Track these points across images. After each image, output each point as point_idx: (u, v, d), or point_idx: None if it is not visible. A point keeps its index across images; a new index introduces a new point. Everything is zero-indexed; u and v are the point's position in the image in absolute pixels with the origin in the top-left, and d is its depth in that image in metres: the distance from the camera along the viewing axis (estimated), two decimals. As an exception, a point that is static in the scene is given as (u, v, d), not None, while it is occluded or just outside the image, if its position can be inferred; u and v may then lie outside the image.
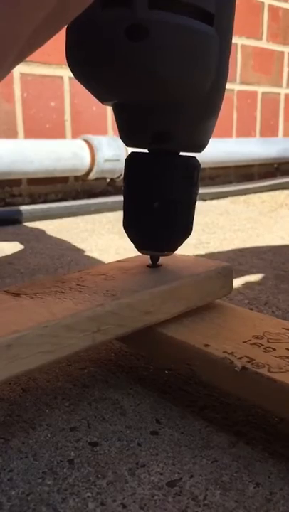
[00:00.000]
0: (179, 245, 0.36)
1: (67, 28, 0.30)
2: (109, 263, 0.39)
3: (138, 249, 0.36)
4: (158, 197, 0.33)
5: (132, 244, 0.36)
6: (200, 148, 0.34)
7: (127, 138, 0.34)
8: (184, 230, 0.35)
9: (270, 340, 0.31)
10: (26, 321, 0.27)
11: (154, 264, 0.36)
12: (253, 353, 0.29)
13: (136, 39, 0.27)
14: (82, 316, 0.28)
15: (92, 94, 0.32)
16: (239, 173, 1.54)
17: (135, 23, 0.27)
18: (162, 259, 0.37)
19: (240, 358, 0.29)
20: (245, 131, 1.53)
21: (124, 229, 0.35)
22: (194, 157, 0.34)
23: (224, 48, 0.31)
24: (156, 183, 0.33)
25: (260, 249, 0.76)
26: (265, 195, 1.34)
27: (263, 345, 0.30)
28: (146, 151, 0.34)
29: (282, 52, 1.59)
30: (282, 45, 1.58)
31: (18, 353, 0.25)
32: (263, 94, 1.56)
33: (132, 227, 0.35)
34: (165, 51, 0.28)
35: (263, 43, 1.52)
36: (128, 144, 0.34)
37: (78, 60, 0.30)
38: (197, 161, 0.34)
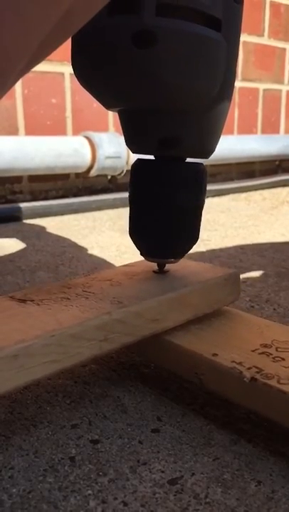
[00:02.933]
0: (186, 252, 0.35)
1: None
2: (115, 268, 0.39)
3: (144, 257, 0.35)
4: (165, 204, 0.33)
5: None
6: (207, 154, 0.34)
7: (133, 144, 0.33)
8: (191, 237, 0.35)
9: (279, 349, 0.31)
10: (33, 329, 0.26)
11: (161, 271, 0.36)
12: (261, 363, 0.29)
13: (143, 46, 0.27)
14: (89, 324, 0.28)
15: (98, 100, 0.31)
16: (240, 170, 1.53)
17: (142, 30, 0.26)
18: (169, 265, 0.36)
19: (249, 368, 0.28)
20: (247, 128, 1.53)
21: (130, 236, 0.35)
22: (201, 163, 0.34)
23: (232, 53, 0.30)
24: (162, 189, 0.33)
25: (261, 247, 0.75)
26: (266, 193, 1.34)
27: (271, 354, 0.30)
28: (152, 157, 0.34)
29: (284, 49, 1.59)
30: (283, 42, 1.57)
31: (25, 363, 0.25)
32: (265, 90, 1.56)
33: (137, 234, 0.35)
34: (173, 58, 0.27)
35: (265, 40, 1.51)
36: (134, 151, 0.33)
37: (84, 67, 0.30)
38: (204, 167, 0.34)
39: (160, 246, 0.34)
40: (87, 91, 0.31)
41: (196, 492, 0.25)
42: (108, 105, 0.32)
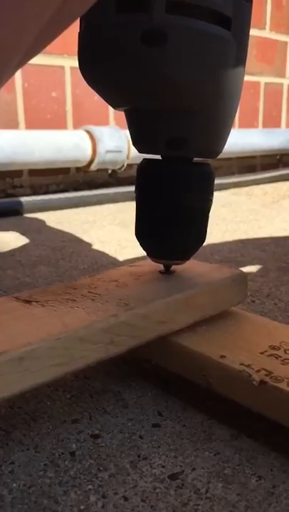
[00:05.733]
0: (193, 254, 0.35)
1: (79, 33, 0.29)
2: (120, 268, 0.38)
3: (150, 258, 0.35)
4: (171, 204, 0.33)
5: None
6: (215, 154, 0.33)
7: (140, 144, 0.33)
8: (198, 237, 0.35)
9: (288, 352, 0.30)
10: (38, 332, 0.26)
11: (167, 271, 0.36)
12: (270, 365, 0.29)
13: (152, 44, 0.26)
14: (96, 327, 0.27)
15: (105, 99, 0.31)
16: (241, 165, 1.53)
17: (152, 28, 0.26)
18: (175, 265, 0.36)
19: (258, 370, 0.28)
20: (248, 122, 1.52)
21: (137, 237, 0.35)
22: (208, 164, 0.34)
23: (241, 52, 0.30)
24: (169, 190, 0.32)
25: (262, 241, 0.75)
26: (267, 187, 1.34)
27: (280, 356, 0.30)
28: (159, 157, 0.33)
29: (286, 42, 1.58)
30: (285, 35, 1.56)
31: (30, 366, 0.24)
32: (266, 84, 1.55)
33: (144, 236, 0.34)
34: (182, 56, 0.27)
35: (266, 33, 1.50)
36: (141, 150, 0.33)
37: (91, 65, 0.29)
38: (211, 168, 0.34)
39: (167, 248, 0.34)
40: (94, 90, 0.30)
41: (196, 487, 0.25)
42: (115, 104, 0.31)
